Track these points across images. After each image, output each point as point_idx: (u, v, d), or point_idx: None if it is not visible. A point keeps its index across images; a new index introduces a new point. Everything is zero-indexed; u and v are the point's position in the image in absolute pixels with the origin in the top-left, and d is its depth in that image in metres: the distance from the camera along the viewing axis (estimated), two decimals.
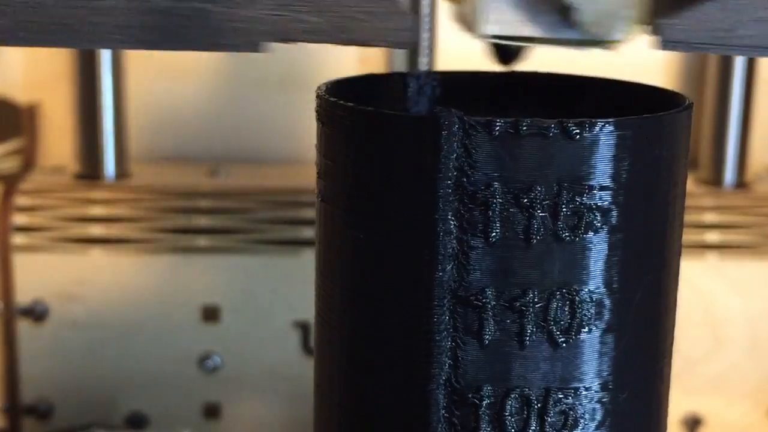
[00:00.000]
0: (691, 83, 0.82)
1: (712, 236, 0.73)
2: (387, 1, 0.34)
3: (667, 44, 0.35)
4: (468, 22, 0.38)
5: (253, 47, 0.34)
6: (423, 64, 0.68)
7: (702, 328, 0.73)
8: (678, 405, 0.71)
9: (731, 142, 0.77)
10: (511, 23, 0.36)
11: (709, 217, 0.74)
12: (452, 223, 0.33)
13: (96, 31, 0.34)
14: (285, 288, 0.71)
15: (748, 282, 0.73)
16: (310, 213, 0.69)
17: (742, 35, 0.35)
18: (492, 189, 0.33)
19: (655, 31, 0.35)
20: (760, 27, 0.35)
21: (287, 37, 0.34)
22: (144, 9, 0.34)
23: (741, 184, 0.77)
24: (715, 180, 0.77)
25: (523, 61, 0.45)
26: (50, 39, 0.34)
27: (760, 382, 0.74)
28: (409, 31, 0.34)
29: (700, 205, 0.74)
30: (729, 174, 0.77)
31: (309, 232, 0.71)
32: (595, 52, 0.38)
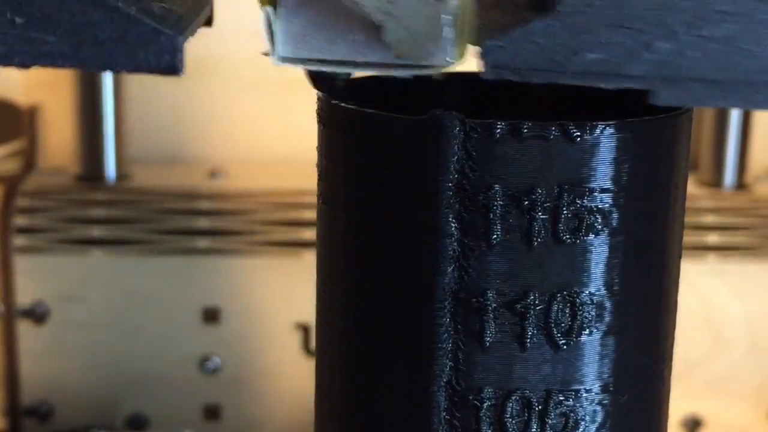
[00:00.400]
0: None
1: (712, 238, 0.73)
2: (140, 21, 0.30)
3: (492, 70, 0.31)
4: (270, 44, 0.33)
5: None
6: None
7: (702, 329, 0.73)
8: (678, 406, 0.71)
9: (731, 144, 0.77)
10: (314, 45, 0.32)
11: (709, 219, 0.74)
12: (453, 225, 0.33)
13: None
14: (285, 289, 0.71)
15: (748, 284, 0.73)
16: (311, 214, 0.70)
17: (583, 60, 0.31)
18: (493, 191, 0.33)
19: (482, 54, 0.31)
20: (603, 51, 0.31)
21: (24, 61, 0.31)
22: None
23: (741, 185, 0.77)
24: (715, 181, 0.78)
25: (343, 90, 0.37)
26: None
27: (760, 383, 0.74)
28: (172, 54, 0.31)
29: (700, 206, 0.74)
30: (729, 175, 0.77)
31: (309, 234, 0.71)
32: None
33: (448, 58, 0.32)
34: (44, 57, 0.30)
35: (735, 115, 0.77)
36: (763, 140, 0.80)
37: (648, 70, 0.32)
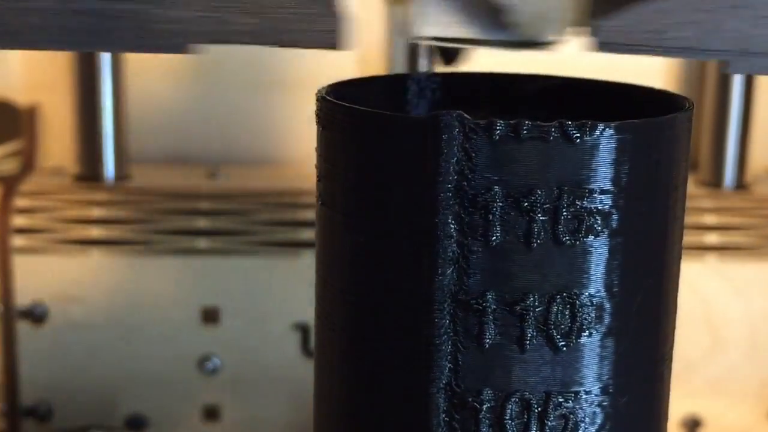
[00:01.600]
0: (691, 84, 0.82)
1: (711, 238, 0.73)
2: (318, 3, 0.34)
3: (602, 46, 0.35)
4: (406, 24, 0.38)
5: (181, 49, 0.35)
6: (423, 65, 0.68)
7: (702, 329, 0.73)
8: (678, 406, 0.71)
9: (731, 144, 0.77)
10: (447, 25, 0.37)
11: (709, 219, 0.74)
12: (452, 226, 0.33)
13: (24, 32, 0.34)
14: (285, 290, 0.71)
15: (748, 283, 0.73)
16: (310, 215, 0.69)
17: (674, 37, 0.35)
18: (492, 193, 0.33)
19: (592, 32, 0.35)
20: (692, 29, 0.35)
21: (218, 38, 0.35)
22: (74, 10, 0.34)
23: (741, 185, 0.77)
24: (714, 181, 0.77)
25: (465, 62, 0.45)
26: None
27: (759, 383, 0.74)
28: (335, 33, 0.34)
29: (699, 206, 0.74)
30: (729, 175, 0.77)
31: (309, 234, 0.71)
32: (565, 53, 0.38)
33: (557, 37, 0.37)
34: (235, 35, 0.35)
35: (735, 115, 0.77)
36: (763, 140, 0.80)
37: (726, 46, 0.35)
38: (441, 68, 0.46)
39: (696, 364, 0.73)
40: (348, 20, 0.35)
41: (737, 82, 0.76)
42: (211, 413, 0.73)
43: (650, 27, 0.35)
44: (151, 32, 0.34)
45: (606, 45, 0.35)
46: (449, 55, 0.45)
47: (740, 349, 0.73)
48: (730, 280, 0.73)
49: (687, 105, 0.37)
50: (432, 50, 0.43)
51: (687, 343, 0.71)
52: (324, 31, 0.34)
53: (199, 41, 0.35)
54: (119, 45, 0.35)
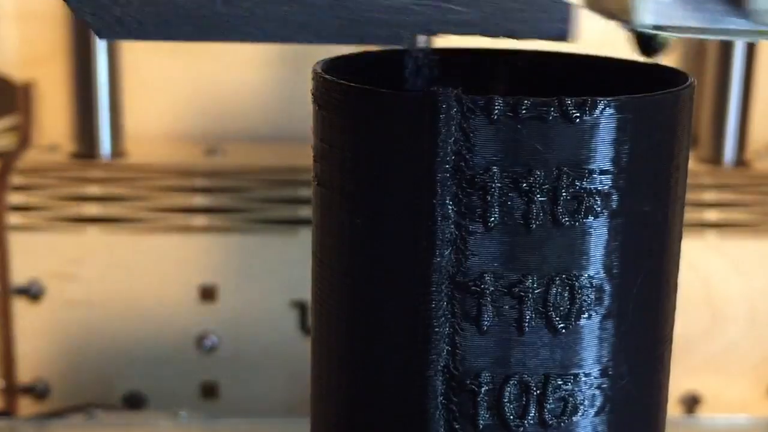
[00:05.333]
0: (691, 59, 0.81)
1: (711, 215, 0.73)
2: None
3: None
4: (618, 10, 0.36)
5: (398, 40, 0.33)
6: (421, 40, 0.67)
7: (701, 306, 0.73)
8: (677, 384, 0.71)
9: (731, 120, 0.77)
10: (671, 13, 0.35)
11: (709, 196, 0.73)
12: (450, 207, 0.33)
13: (230, 24, 0.33)
14: (282, 267, 0.71)
15: (748, 260, 0.73)
16: (308, 192, 0.69)
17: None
18: (491, 173, 0.32)
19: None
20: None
21: (434, 29, 0.33)
22: (282, 1, 0.32)
23: (741, 162, 0.77)
24: (714, 158, 0.77)
25: (667, 53, 0.43)
26: (178, 32, 0.32)
27: (759, 360, 0.74)
28: (565, 22, 0.33)
29: (699, 183, 0.74)
30: (729, 152, 0.77)
31: (306, 211, 0.70)
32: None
33: None
34: (455, 26, 0.33)
35: (735, 91, 0.76)
36: (763, 116, 0.79)
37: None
38: (642, 58, 0.44)
39: (695, 341, 0.73)
40: (574, 8, 0.33)
41: (738, 56, 0.75)
42: (210, 390, 0.73)
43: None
44: (364, 23, 0.33)
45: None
46: (653, 47, 0.42)
47: (740, 326, 0.73)
48: (730, 257, 0.72)
49: (688, 81, 0.36)
50: (631, 40, 0.41)
51: (686, 321, 0.71)
52: (553, 20, 0.33)
53: (416, 32, 0.33)
54: (331, 37, 0.33)
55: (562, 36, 0.33)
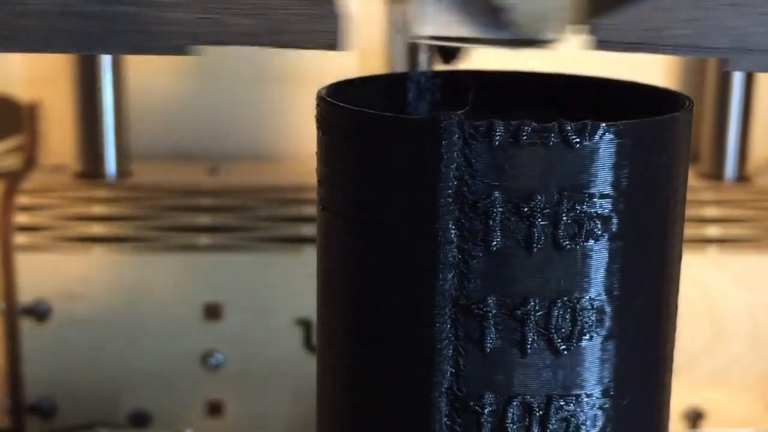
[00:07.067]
0: (692, 76, 0.81)
1: (712, 230, 0.73)
2: (317, 3, 0.34)
3: (601, 44, 0.35)
4: (404, 23, 0.38)
5: (181, 50, 0.35)
6: (423, 64, 0.68)
7: (703, 322, 0.73)
8: (680, 399, 0.72)
9: (732, 136, 0.77)
10: (446, 24, 0.37)
11: (710, 211, 0.74)
12: (453, 231, 0.33)
13: (22, 34, 0.34)
14: (287, 285, 0.71)
15: (749, 276, 0.73)
16: (312, 210, 0.70)
17: (673, 35, 0.35)
18: (492, 198, 0.33)
19: (591, 31, 0.35)
20: (691, 27, 0.35)
21: (216, 39, 0.35)
22: (71, 12, 0.34)
23: (742, 177, 0.77)
24: (715, 174, 0.77)
25: (464, 61, 0.46)
26: None
27: (761, 375, 0.74)
28: (335, 33, 0.34)
29: (700, 199, 0.74)
30: (730, 167, 0.77)
31: (310, 230, 0.71)
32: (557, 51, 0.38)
33: (556, 35, 0.37)
34: (240, 36, 0.35)
35: (735, 107, 0.77)
36: (763, 132, 0.80)
37: (726, 43, 0.35)
38: (440, 67, 0.46)
39: (697, 356, 0.73)
40: (347, 20, 0.35)
41: (738, 74, 0.76)
42: (215, 409, 0.73)
43: (649, 25, 0.35)
44: (150, 34, 0.34)
45: (605, 43, 0.35)
46: (448, 54, 0.45)
47: (742, 341, 0.73)
48: (732, 272, 0.73)
49: (687, 103, 0.37)
50: (431, 49, 0.43)
51: (688, 336, 0.72)
52: (323, 31, 0.34)
53: (198, 43, 0.35)
54: (117, 47, 0.35)
55: (332, 46, 0.35)
